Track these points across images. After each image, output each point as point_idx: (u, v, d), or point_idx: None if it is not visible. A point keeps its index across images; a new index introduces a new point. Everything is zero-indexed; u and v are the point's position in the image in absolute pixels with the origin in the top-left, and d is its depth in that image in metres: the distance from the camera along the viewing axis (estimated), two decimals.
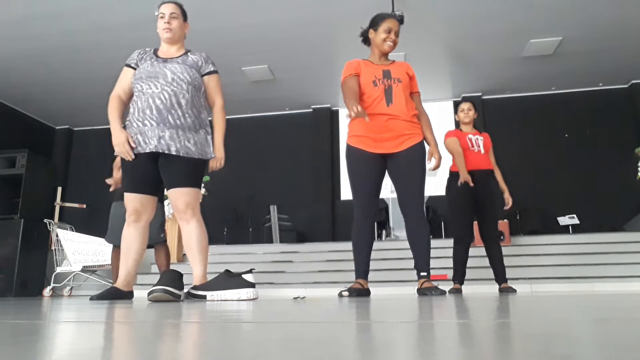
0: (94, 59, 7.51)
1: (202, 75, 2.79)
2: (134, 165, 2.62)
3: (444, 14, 6.59)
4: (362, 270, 2.97)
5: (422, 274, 2.90)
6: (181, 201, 2.63)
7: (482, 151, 4.05)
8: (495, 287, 4.20)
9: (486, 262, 4.06)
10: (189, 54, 2.81)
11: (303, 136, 9.74)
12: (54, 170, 7.79)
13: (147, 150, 2.58)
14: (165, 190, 2.84)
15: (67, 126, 10.44)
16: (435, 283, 2.93)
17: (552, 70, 8.25)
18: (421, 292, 2.87)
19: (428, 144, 3.04)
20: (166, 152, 2.56)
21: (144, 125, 2.59)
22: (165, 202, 6.65)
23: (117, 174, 4.11)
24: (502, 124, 9.00)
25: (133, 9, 6.26)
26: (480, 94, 9.23)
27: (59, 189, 7.55)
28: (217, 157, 2.75)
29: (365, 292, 2.94)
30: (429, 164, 3.01)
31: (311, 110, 9.85)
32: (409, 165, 2.91)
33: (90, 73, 7.90)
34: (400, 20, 5.65)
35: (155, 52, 2.79)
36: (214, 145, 2.76)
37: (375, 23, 3.07)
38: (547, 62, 7.96)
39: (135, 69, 2.74)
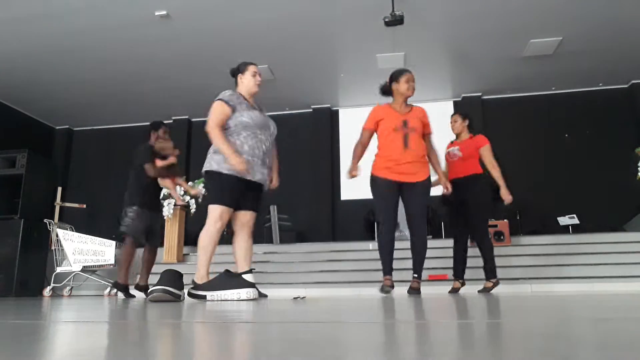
0: (93, 59, 7.50)
1: None
2: None
3: (444, 14, 6.58)
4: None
5: (414, 275, 3.67)
6: None
7: (461, 155, 4.22)
8: (500, 289, 4.20)
9: (482, 262, 4.14)
10: None
11: (303, 136, 9.72)
12: (54, 170, 7.77)
13: None
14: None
15: (67, 126, 10.42)
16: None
17: (552, 70, 8.25)
18: (409, 291, 3.64)
19: (437, 174, 3.79)
20: None
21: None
22: (166, 202, 6.69)
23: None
24: (502, 124, 8.99)
25: (133, 9, 6.26)
26: (480, 94, 9.22)
27: (59, 189, 7.53)
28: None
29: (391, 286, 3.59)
30: (435, 188, 3.75)
31: (311, 110, 9.84)
32: (418, 196, 3.62)
33: (90, 73, 7.89)
34: (400, 20, 5.68)
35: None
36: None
37: (395, 77, 3.73)
38: (547, 62, 7.96)
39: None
